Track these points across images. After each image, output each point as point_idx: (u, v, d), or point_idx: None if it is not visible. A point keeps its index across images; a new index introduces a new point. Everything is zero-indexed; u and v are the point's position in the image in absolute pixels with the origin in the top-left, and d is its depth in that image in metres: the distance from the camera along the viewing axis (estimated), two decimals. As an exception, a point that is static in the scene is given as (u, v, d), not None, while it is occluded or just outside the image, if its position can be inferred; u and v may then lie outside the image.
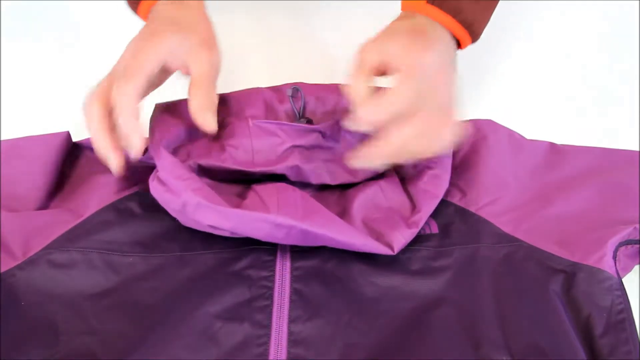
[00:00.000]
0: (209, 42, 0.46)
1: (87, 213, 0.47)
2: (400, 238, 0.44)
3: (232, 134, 0.48)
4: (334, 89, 0.51)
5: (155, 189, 0.44)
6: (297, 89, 0.51)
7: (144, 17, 0.48)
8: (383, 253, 0.43)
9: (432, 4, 0.44)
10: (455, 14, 0.44)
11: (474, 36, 0.47)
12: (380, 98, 0.41)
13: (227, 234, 0.44)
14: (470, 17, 0.45)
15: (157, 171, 0.45)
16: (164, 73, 0.45)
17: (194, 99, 0.44)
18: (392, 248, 0.43)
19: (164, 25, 0.45)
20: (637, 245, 0.46)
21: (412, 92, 0.41)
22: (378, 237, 0.44)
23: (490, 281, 0.44)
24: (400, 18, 0.46)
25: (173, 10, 0.46)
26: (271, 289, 0.44)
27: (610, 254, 0.44)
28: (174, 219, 0.46)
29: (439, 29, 0.45)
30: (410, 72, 0.41)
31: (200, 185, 0.43)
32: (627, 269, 0.47)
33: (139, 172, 0.47)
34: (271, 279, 0.44)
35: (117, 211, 0.47)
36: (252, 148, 0.48)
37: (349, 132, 0.47)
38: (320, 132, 0.48)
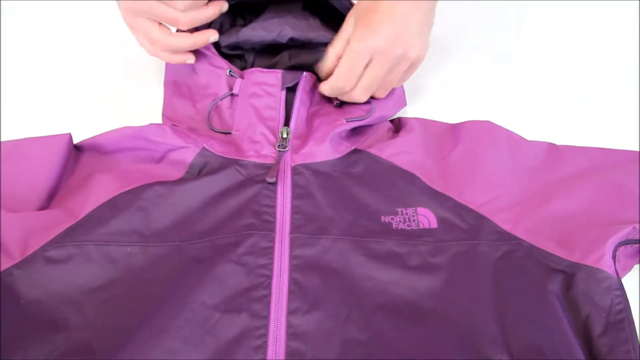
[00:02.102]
0: None
1: (85, 213, 0.47)
2: None
3: None
4: None
5: None
6: None
7: None
8: None
9: None
10: None
11: None
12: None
13: None
14: None
15: None
16: None
17: None
18: None
19: None
20: (637, 245, 0.46)
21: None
22: None
23: (489, 279, 0.44)
24: None
25: None
26: (270, 277, 0.44)
27: (609, 254, 0.44)
28: (171, 209, 0.47)
29: None
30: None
31: None
32: (627, 269, 0.47)
33: (136, 172, 0.47)
34: (269, 267, 0.44)
35: (112, 205, 0.47)
36: None
37: None
38: None
